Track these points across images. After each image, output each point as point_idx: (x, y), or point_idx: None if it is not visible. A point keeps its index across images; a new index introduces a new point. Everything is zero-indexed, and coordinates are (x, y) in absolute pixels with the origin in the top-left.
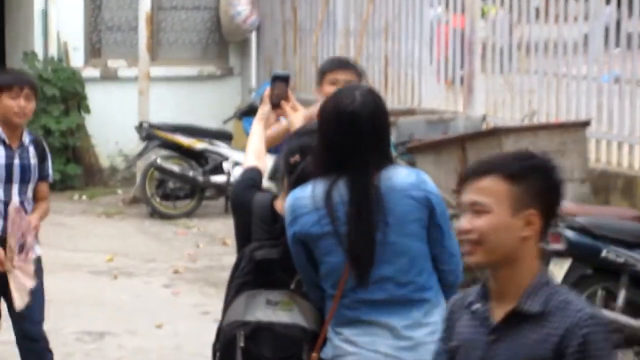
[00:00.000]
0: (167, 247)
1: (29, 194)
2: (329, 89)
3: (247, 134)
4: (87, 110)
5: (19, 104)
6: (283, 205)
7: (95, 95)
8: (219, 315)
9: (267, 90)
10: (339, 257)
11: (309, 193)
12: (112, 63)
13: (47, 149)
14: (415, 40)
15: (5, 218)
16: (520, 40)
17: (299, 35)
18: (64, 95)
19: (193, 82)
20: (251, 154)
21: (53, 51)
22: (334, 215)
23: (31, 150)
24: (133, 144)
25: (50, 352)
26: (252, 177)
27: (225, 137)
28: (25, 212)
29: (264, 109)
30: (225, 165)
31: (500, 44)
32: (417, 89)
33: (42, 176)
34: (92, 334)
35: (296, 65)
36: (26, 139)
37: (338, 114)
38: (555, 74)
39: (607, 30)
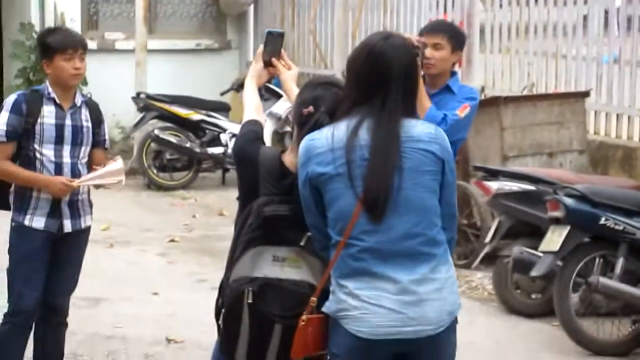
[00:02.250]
0: (163, 218)
1: (83, 157)
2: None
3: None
4: (84, 82)
5: (74, 66)
6: (292, 159)
7: (92, 67)
8: (214, 284)
9: (260, 48)
10: (348, 200)
11: (325, 134)
12: (109, 35)
13: (102, 114)
14: (414, 14)
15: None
16: (519, 20)
17: (297, 9)
18: None
19: (190, 55)
20: (250, 108)
21: (50, 22)
22: (350, 156)
23: (84, 112)
24: (130, 116)
25: (66, 325)
26: (254, 129)
27: (223, 109)
28: (79, 175)
29: (257, 66)
30: (223, 137)
31: (500, 23)
32: None
33: (97, 141)
34: (88, 299)
35: (294, 39)
36: (79, 100)
37: (369, 51)
38: (555, 54)
39: (606, 12)
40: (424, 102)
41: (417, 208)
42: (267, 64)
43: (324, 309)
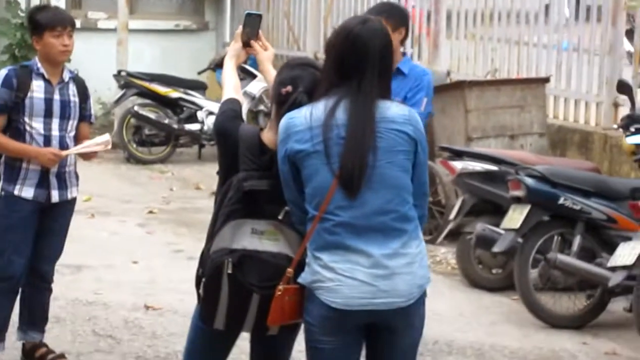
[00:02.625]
0: (142, 190)
1: (70, 131)
2: None
3: (219, 84)
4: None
5: (63, 42)
6: (270, 137)
7: (75, 45)
8: (191, 254)
9: (239, 29)
10: (325, 176)
11: (304, 113)
12: (92, 15)
13: (88, 90)
14: None
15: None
16: (484, 8)
17: None
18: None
19: (170, 35)
20: (229, 88)
21: (36, 1)
22: (327, 135)
23: (71, 87)
24: (111, 92)
25: (50, 291)
26: (234, 108)
27: (200, 87)
28: (67, 148)
29: (236, 46)
30: (200, 114)
31: (466, 10)
32: None
33: (84, 115)
34: (71, 267)
35: (269, 21)
36: (66, 76)
37: (347, 34)
38: (517, 42)
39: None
40: None
41: (391, 186)
42: (246, 44)
43: (299, 280)
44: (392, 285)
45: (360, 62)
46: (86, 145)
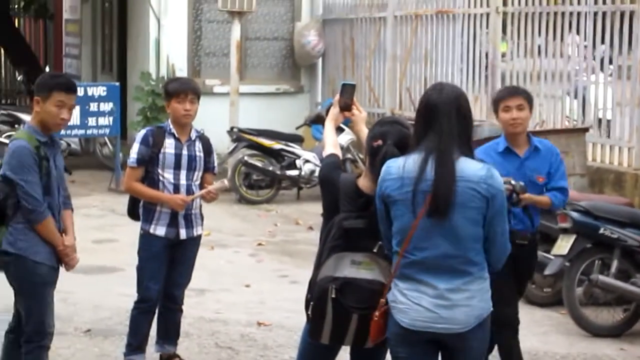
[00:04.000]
0: (252, 226)
1: (196, 180)
2: (503, 115)
3: (314, 138)
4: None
5: (185, 107)
6: (365, 183)
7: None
8: (294, 278)
9: (337, 96)
10: (407, 220)
11: (399, 163)
12: (208, 82)
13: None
14: (448, 64)
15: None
16: (532, 69)
17: (355, 60)
18: None
19: (272, 97)
20: (329, 144)
21: (163, 71)
22: (417, 187)
23: (197, 144)
24: (225, 145)
25: (181, 311)
26: (335, 161)
27: (298, 140)
28: (193, 194)
29: (334, 111)
30: (298, 162)
31: (517, 71)
32: None
33: (207, 167)
34: (196, 290)
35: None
36: (193, 134)
37: (425, 103)
38: (560, 97)
39: (602, 62)
40: None
41: (460, 235)
42: (343, 109)
43: (387, 297)
44: (451, 314)
45: (436, 122)
46: (207, 190)
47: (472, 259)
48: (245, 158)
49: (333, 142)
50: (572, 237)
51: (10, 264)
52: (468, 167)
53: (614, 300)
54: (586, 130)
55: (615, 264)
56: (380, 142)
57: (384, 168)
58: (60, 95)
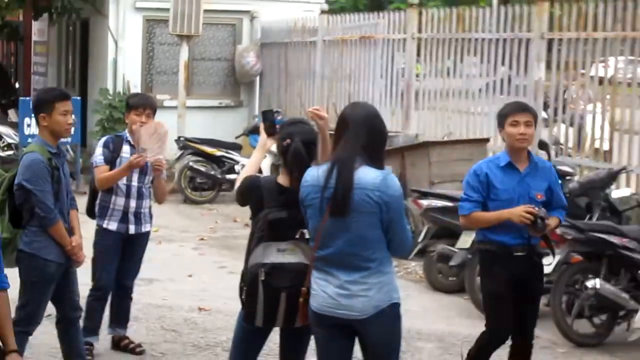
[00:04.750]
0: (195, 223)
1: (147, 183)
2: (510, 129)
3: (251, 146)
4: None
5: (141, 120)
6: (283, 179)
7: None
8: (232, 269)
9: (262, 126)
10: (316, 222)
11: (313, 172)
12: (159, 97)
13: None
14: (369, 83)
15: (127, 196)
16: (442, 88)
17: (289, 79)
18: None
19: (215, 110)
20: (249, 169)
21: (120, 88)
22: (323, 195)
23: None
24: (173, 152)
25: (131, 299)
26: (252, 176)
27: (237, 148)
28: (143, 196)
29: (262, 138)
30: (237, 167)
31: (429, 89)
32: None
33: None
34: (145, 280)
35: (286, 100)
36: None
37: (340, 118)
38: (466, 112)
39: (502, 82)
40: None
41: (356, 236)
42: (269, 135)
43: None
44: (350, 302)
45: (345, 135)
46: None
47: (369, 256)
48: (191, 163)
49: (253, 170)
50: (474, 233)
51: (24, 260)
52: (365, 176)
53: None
54: (487, 140)
55: None
56: (288, 141)
57: (305, 174)
58: (62, 104)
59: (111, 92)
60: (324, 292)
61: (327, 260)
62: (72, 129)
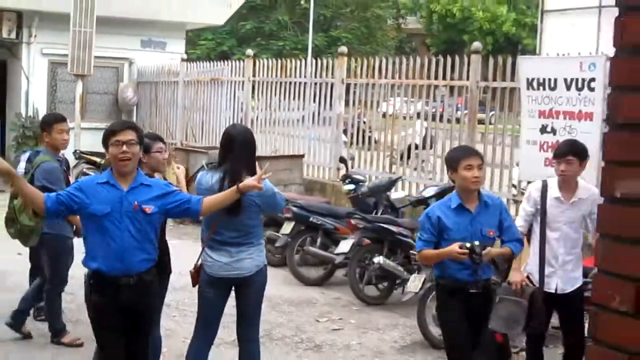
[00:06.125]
0: None
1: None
2: (465, 173)
3: None
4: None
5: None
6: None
7: None
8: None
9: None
10: (215, 215)
11: (207, 178)
12: None
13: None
14: (217, 113)
15: None
16: (271, 117)
17: (158, 109)
18: (35, 136)
19: (103, 131)
20: None
21: (30, 113)
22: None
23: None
24: (71, 162)
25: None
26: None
27: None
28: None
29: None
30: None
31: (261, 119)
32: (218, 136)
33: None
34: None
35: (156, 124)
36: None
37: (224, 135)
38: (288, 134)
39: (313, 114)
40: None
41: (244, 225)
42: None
43: (200, 262)
44: (240, 265)
45: (231, 149)
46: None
47: (251, 239)
48: (84, 170)
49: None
50: (292, 223)
51: (49, 240)
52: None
53: (318, 262)
54: (302, 156)
55: (319, 240)
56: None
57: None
58: (59, 125)
59: (23, 115)
60: (219, 261)
61: (221, 242)
62: (68, 142)
